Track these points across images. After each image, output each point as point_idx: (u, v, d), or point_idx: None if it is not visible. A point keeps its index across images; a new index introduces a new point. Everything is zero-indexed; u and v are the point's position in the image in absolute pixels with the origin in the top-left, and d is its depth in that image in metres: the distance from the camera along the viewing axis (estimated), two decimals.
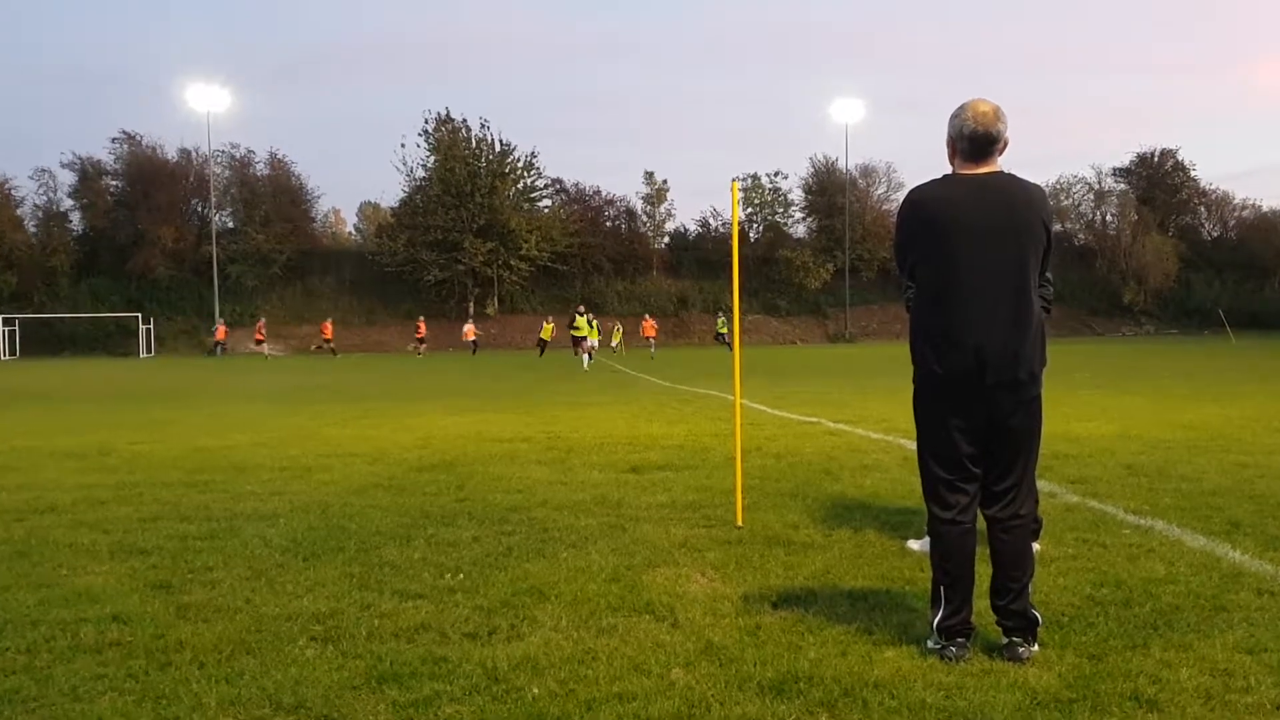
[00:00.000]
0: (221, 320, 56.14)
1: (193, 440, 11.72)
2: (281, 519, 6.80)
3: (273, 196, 67.67)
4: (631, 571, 5.26)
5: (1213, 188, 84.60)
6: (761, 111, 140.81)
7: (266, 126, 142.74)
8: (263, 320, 54.86)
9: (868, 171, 77.32)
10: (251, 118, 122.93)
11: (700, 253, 72.12)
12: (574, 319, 34.89)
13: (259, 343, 52.54)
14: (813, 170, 76.32)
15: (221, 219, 68.67)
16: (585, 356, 32.95)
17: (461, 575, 5.21)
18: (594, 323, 37.25)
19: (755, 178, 74.95)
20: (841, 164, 75.69)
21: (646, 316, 50.97)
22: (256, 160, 70.15)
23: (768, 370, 28.21)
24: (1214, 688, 3.53)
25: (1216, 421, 12.01)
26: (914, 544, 5.72)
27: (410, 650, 4.05)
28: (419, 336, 51.64)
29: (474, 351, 50.42)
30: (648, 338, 46.32)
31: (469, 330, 52.31)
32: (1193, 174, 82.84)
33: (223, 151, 69.10)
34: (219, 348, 53.23)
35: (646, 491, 7.69)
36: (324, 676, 3.77)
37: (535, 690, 3.61)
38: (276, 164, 70.54)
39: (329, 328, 52.13)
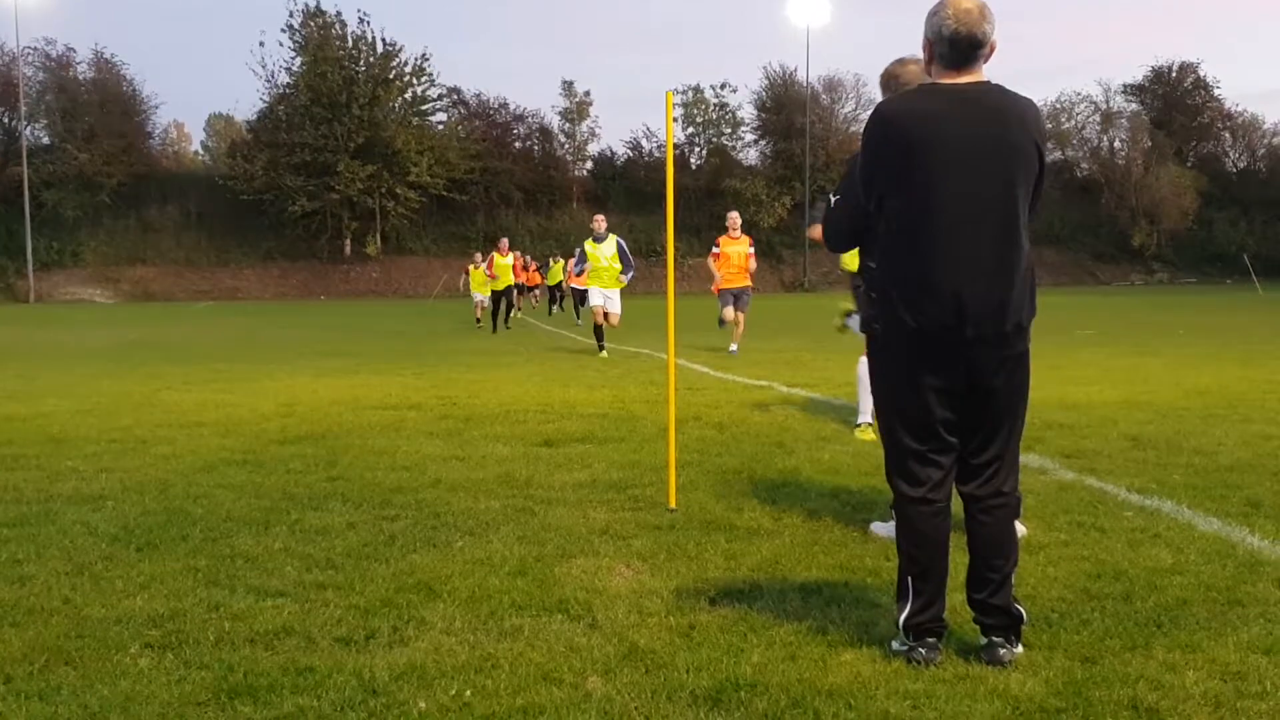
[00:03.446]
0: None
1: None
2: (110, 501, 6.71)
3: (99, 106, 66.26)
4: (541, 563, 5.28)
5: (1239, 110, 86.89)
6: (705, 8, 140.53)
7: (90, 18, 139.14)
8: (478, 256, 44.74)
9: (832, 85, 77.81)
10: (72, 7, 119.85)
11: (631, 182, 72.16)
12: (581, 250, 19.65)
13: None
14: (767, 82, 76.71)
15: (34, 133, 67.12)
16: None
17: (333, 569, 5.19)
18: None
19: (697, 90, 75.12)
20: (801, 75, 75.99)
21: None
22: (78, 61, 68.75)
23: (711, 325, 28.33)
24: (1224, 693, 3.65)
25: (1238, 386, 12.35)
26: (878, 528, 5.81)
27: (269, 659, 4.03)
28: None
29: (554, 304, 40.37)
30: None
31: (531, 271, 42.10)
32: (1216, 93, 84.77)
33: (35, 49, 67.51)
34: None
35: (561, 468, 7.71)
36: (161, 691, 3.73)
37: (422, 705, 3.61)
38: (103, 65, 69.03)
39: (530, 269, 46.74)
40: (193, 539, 5.77)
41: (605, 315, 18.93)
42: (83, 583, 5.00)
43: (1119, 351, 18.07)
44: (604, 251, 18.74)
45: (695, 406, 10.87)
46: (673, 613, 4.52)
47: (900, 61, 5.90)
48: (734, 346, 18.78)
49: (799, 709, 3.55)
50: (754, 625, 4.35)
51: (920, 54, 4.15)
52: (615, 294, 19.13)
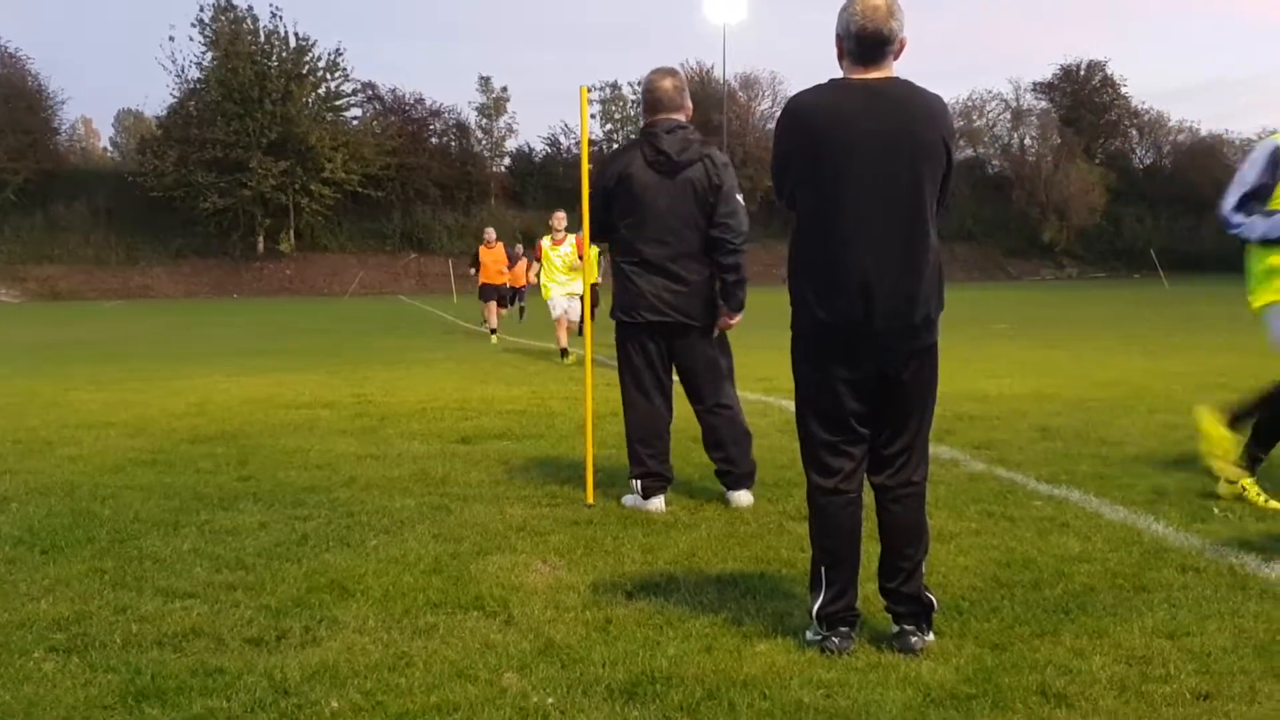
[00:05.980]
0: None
1: None
2: (14, 504, 6.58)
3: (4, 102, 64.93)
4: (457, 560, 5.25)
5: (1146, 108, 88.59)
6: (623, 5, 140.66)
7: None
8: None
9: (749, 82, 78.24)
10: None
11: (550, 178, 71.98)
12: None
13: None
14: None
15: None
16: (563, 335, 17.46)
17: (244, 569, 5.13)
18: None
19: (615, 86, 75.24)
20: (718, 72, 76.17)
21: None
22: None
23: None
24: (1130, 677, 3.72)
25: (1144, 378, 12.61)
26: (628, 500, 6.24)
27: (177, 661, 3.97)
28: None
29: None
30: None
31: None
32: (1124, 91, 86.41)
33: None
34: None
35: (478, 465, 7.68)
36: (66, 695, 3.67)
37: (334, 704, 3.58)
38: (7, 59, 67.71)
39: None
40: (99, 541, 5.67)
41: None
42: None
43: (1029, 345, 18.37)
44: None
45: (613, 403, 10.78)
46: (589, 607, 4.53)
47: (658, 72, 6.22)
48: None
49: (714, 700, 3.57)
50: (670, 618, 4.37)
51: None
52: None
